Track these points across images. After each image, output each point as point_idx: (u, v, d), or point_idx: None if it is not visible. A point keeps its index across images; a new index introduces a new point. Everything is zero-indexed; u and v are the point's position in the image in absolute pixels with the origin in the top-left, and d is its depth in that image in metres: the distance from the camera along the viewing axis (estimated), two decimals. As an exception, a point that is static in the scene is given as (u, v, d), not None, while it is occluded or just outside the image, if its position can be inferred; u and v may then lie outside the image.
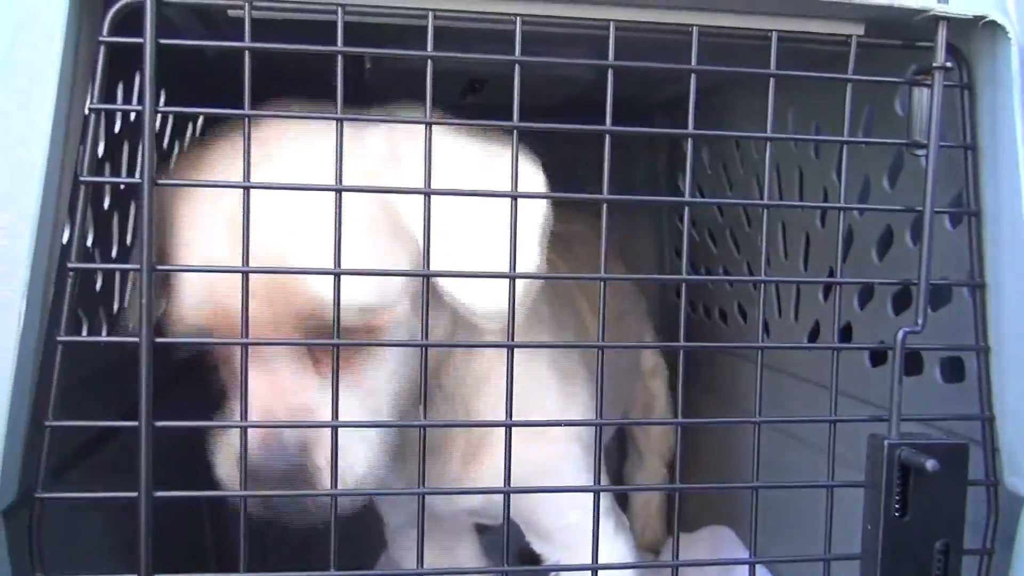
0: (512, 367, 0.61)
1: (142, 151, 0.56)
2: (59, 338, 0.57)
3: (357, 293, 0.63)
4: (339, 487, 0.61)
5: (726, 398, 1.29)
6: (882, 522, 0.63)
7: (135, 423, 0.56)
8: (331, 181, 0.58)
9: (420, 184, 0.59)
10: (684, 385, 0.67)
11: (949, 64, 0.63)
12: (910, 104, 0.67)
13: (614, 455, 1.47)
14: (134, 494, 0.56)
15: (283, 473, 0.63)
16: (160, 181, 0.57)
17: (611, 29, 0.62)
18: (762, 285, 0.66)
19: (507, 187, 0.60)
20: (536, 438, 0.81)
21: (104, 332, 0.83)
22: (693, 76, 0.62)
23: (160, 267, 0.56)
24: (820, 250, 1.06)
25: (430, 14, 0.59)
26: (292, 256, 0.64)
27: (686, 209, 0.64)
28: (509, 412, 0.61)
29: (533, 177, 0.68)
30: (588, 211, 1.38)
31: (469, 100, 1.16)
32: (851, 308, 0.98)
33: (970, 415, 0.68)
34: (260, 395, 0.64)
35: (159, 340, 0.57)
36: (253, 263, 0.58)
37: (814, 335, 1.10)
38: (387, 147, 0.69)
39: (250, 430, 0.61)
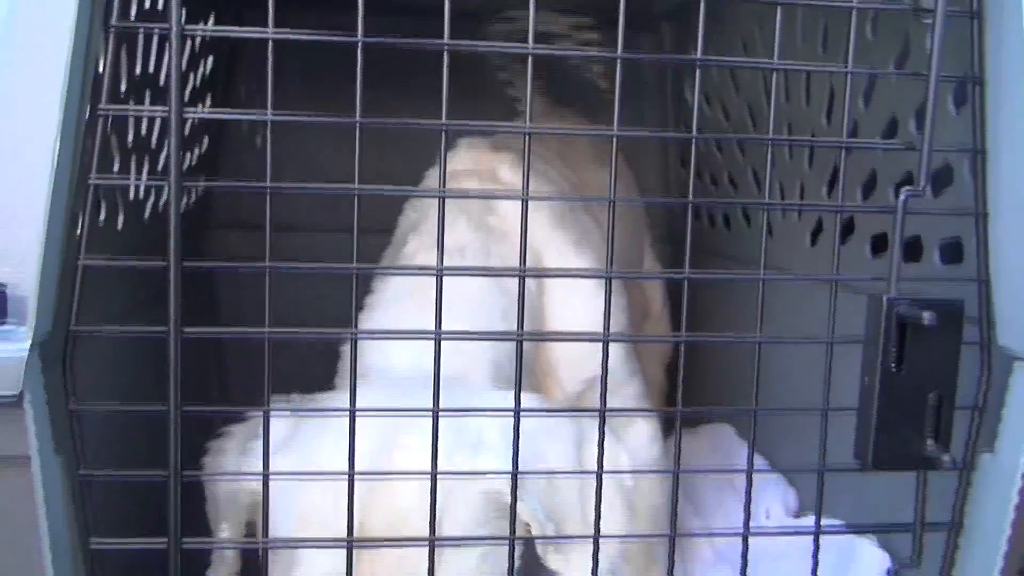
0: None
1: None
2: (91, 179, 0.59)
3: None
4: None
5: (729, 303, 1.30)
6: (879, 375, 0.65)
7: (163, 262, 0.58)
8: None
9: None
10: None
11: (958, -72, 0.63)
12: (918, -25, 0.68)
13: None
14: (163, 331, 0.59)
15: None
16: (186, 30, 0.58)
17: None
18: (769, 146, 0.67)
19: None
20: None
21: (122, 216, 0.85)
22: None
23: (189, 111, 0.58)
24: (825, 151, 1.07)
25: None
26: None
27: (698, 69, 0.65)
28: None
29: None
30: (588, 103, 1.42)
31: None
32: (854, 200, 0.99)
33: (968, 278, 0.70)
34: None
35: (187, 183, 0.59)
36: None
37: (816, 234, 1.12)
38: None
39: None
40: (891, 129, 0.92)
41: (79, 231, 0.60)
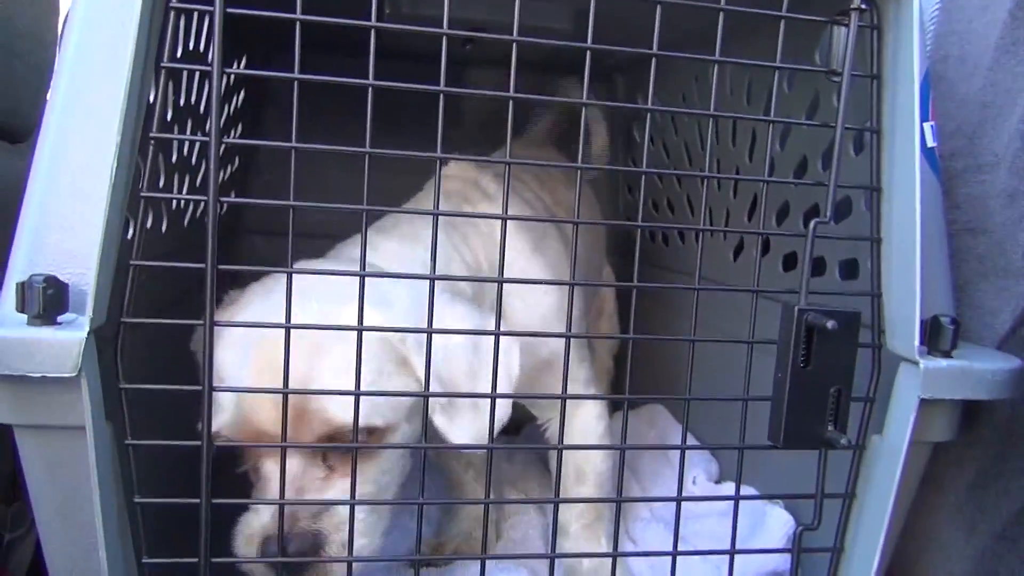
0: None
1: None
2: (141, 194, 0.58)
3: (369, 416, 0.65)
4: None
5: (667, 304, 1.31)
6: (789, 371, 0.65)
7: (202, 266, 0.57)
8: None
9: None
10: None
11: (864, 6, 0.64)
12: (829, 42, 0.69)
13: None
14: (200, 322, 0.58)
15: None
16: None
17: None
18: (704, 180, 0.67)
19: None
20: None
21: (165, 222, 0.83)
22: (659, 7, 0.63)
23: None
24: (745, 183, 1.08)
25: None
26: (316, 383, 0.64)
27: (647, 117, 0.65)
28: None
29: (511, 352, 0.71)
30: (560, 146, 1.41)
31: (468, 48, 1.16)
32: (770, 225, 1.00)
33: (863, 292, 0.70)
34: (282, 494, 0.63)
35: (223, 199, 0.58)
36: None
37: (738, 251, 1.12)
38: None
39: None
40: (802, 166, 0.93)
41: (132, 237, 0.59)
